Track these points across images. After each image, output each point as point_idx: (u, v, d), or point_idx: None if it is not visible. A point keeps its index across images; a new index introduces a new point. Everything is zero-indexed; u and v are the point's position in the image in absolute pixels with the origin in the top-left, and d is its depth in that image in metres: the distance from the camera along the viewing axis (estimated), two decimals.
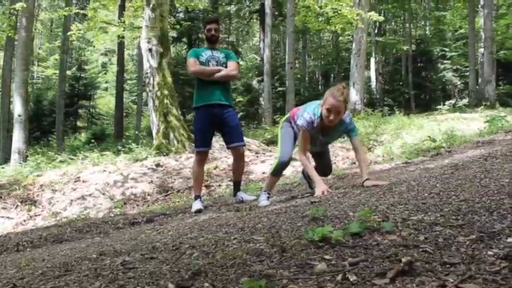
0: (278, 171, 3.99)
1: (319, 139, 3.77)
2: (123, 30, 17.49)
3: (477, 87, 20.78)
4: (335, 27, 15.46)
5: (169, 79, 9.72)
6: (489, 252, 1.43)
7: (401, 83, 28.28)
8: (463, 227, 1.77)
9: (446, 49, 27.18)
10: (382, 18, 14.81)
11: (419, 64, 28.38)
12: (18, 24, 14.42)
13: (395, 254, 1.56)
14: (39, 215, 7.01)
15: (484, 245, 1.51)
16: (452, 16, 27.46)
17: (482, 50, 19.75)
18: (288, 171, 7.38)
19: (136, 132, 19.47)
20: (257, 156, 8.58)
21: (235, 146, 4.64)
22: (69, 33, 15.75)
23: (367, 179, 3.46)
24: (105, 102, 34.15)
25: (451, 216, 1.95)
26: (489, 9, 19.07)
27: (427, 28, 32.37)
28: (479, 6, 20.36)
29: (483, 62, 19.45)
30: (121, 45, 23.65)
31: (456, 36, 27.66)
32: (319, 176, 3.73)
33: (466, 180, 2.81)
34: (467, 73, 22.67)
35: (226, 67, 4.64)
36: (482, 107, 15.62)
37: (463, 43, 25.61)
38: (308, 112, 3.60)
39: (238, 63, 4.81)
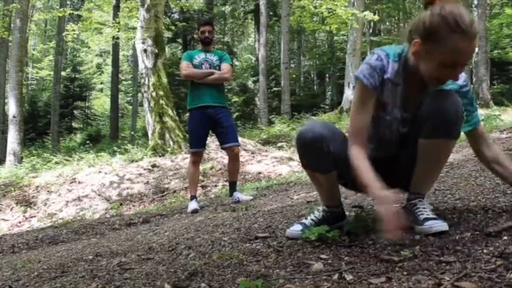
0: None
1: (396, 120, 1.84)
2: (118, 31, 17.44)
3: (471, 86, 20.86)
4: (330, 27, 15.48)
5: (165, 80, 9.70)
6: (485, 251, 1.43)
7: None
8: (459, 225, 1.78)
9: None
10: (377, 17, 14.82)
11: None
12: (12, 25, 14.35)
13: (392, 253, 1.56)
14: (34, 216, 6.98)
15: (480, 243, 1.52)
16: None
17: (476, 49, 19.83)
18: (283, 171, 7.39)
19: (132, 133, 19.45)
20: (253, 157, 8.57)
21: (229, 146, 4.66)
22: (64, 34, 15.72)
23: None
24: (100, 103, 34.03)
25: (447, 214, 1.96)
26: (483, 8, 19.14)
27: None
28: (473, 5, 20.44)
29: (477, 61, 19.54)
30: (116, 46, 23.59)
31: None
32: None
33: (462, 178, 2.82)
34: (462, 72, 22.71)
35: (220, 69, 4.67)
36: (477, 105, 15.69)
37: None
38: (376, 53, 1.81)
39: (231, 65, 4.84)
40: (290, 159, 8.26)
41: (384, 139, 1.88)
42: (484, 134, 1.97)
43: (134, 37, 11.80)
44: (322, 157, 1.86)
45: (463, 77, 1.80)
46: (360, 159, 1.73)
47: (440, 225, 1.70)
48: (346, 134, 1.93)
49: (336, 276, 1.39)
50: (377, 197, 1.60)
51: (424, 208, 1.83)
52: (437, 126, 1.70)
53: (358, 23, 14.71)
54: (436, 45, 1.59)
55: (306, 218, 2.09)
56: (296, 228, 2.03)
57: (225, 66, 4.70)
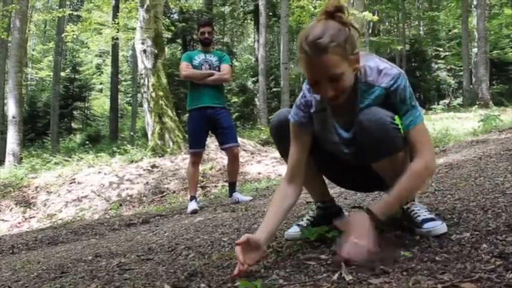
0: None
1: (337, 144, 1.82)
2: (118, 32, 17.43)
3: (471, 86, 20.88)
4: None
5: (164, 80, 9.70)
6: (484, 251, 1.43)
7: None
8: (458, 225, 1.78)
9: (440, 49, 27.28)
10: (376, 17, 14.84)
11: (413, 64, 28.46)
12: (11, 25, 14.35)
13: (391, 253, 1.56)
14: (34, 217, 6.98)
15: (479, 243, 1.52)
16: (445, 16, 27.60)
17: (475, 49, 19.86)
18: (283, 171, 7.39)
19: (132, 133, 19.45)
20: (253, 157, 8.58)
21: (229, 147, 4.66)
22: (63, 35, 15.71)
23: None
24: (99, 103, 34.02)
25: (446, 214, 1.96)
26: (482, 9, 19.16)
27: (421, 28, 32.49)
28: (473, 6, 20.46)
29: (477, 62, 19.56)
30: (115, 47, 23.59)
31: (450, 36, 27.78)
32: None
33: (461, 179, 2.82)
34: (461, 73, 22.79)
35: (219, 70, 4.68)
36: (476, 106, 15.71)
37: (457, 43, 25.71)
38: (303, 89, 1.82)
39: (231, 66, 4.85)
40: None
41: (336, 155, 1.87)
42: (415, 143, 1.65)
43: (134, 38, 11.80)
44: (287, 141, 1.85)
45: (389, 76, 1.64)
46: (277, 194, 1.84)
47: (439, 228, 1.69)
48: None
49: (335, 277, 1.39)
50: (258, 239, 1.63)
51: (419, 210, 1.81)
52: (374, 152, 1.66)
53: (357, 23, 14.72)
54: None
55: (301, 220, 2.10)
56: (294, 230, 2.03)
57: (225, 67, 4.71)
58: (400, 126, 1.62)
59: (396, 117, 1.63)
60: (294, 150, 1.82)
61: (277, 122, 1.90)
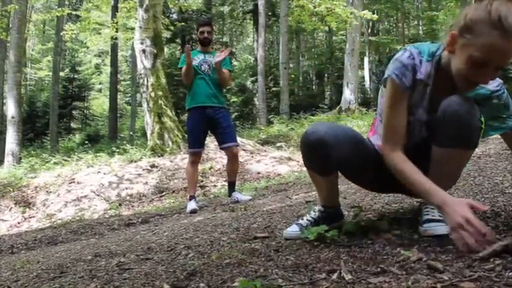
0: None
1: (419, 122, 1.76)
2: (117, 32, 17.43)
3: (503, 86, 20.89)
4: (329, 26, 15.49)
5: (163, 80, 9.70)
6: (483, 250, 1.43)
7: None
8: None
9: None
10: (376, 16, 14.85)
11: None
12: (10, 25, 14.34)
13: (391, 253, 1.56)
14: (33, 217, 6.98)
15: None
16: (445, 16, 27.56)
17: None
18: (282, 171, 7.39)
19: (131, 133, 19.44)
20: (252, 157, 8.57)
21: (228, 146, 4.66)
22: (62, 33, 15.70)
23: None
24: (99, 103, 34.02)
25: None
26: None
27: (420, 28, 32.49)
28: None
29: None
30: (114, 46, 23.57)
31: None
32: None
33: (460, 178, 2.82)
34: None
35: None
36: None
37: None
38: (408, 50, 1.69)
39: (231, 71, 4.85)
40: (289, 159, 8.26)
41: (413, 134, 1.76)
42: None
43: (133, 37, 11.80)
44: (322, 161, 1.84)
45: (497, 81, 1.69)
46: (402, 163, 1.66)
47: (439, 229, 1.67)
48: (363, 135, 1.89)
49: (334, 276, 1.39)
50: (443, 204, 1.49)
51: (432, 209, 1.75)
52: (450, 135, 1.61)
53: (357, 21, 14.72)
54: (471, 38, 1.46)
55: (301, 219, 2.08)
56: (293, 229, 2.02)
57: (224, 72, 4.70)
58: (483, 126, 1.62)
59: (483, 117, 1.61)
60: (398, 118, 1.69)
61: (314, 141, 1.80)
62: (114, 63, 24.03)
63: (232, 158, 4.73)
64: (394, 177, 1.69)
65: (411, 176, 1.62)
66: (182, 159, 8.24)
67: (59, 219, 6.48)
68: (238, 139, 5.11)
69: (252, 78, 25.47)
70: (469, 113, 1.58)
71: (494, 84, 1.68)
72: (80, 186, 7.71)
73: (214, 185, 7.25)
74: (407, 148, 1.72)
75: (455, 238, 1.43)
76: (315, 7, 14.08)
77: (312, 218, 2.04)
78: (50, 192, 7.67)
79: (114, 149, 10.72)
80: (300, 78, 31.37)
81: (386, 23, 32.76)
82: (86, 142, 16.05)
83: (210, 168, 7.92)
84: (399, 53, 1.70)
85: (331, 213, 2.05)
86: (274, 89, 23.81)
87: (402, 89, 1.66)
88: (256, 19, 23.05)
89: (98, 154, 10.17)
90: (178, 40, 25.23)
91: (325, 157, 1.80)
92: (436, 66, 1.66)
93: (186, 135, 5.47)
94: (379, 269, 1.38)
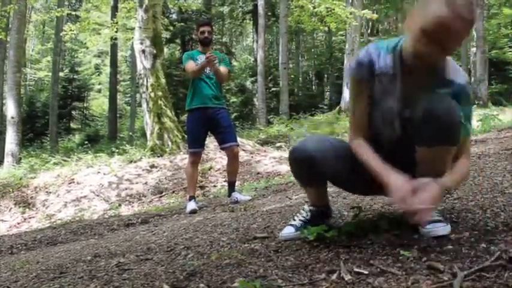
0: None
1: (391, 110, 1.76)
2: (116, 32, 17.41)
3: (470, 86, 20.88)
4: (329, 26, 15.49)
5: (163, 80, 9.69)
6: (483, 250, 1.43)
7: None
8: (458, 224, 1.78)
9: None
10: (375, 15, 14.85)
11: None
12: (10, 26, 14.34)
13: (390, 253, 1.56)
14: (33, 217, 6.98)
15: (478, 242, 1.52)
16: None
17: (474, 49, 19.87)
18: (282, 171, 7.39)
19: (130, 133, 19.42)
20: (252, 157, 8.57)
21: (229, 146, 4.66)
22: (62, 34, 15.68)
23: None
24: (98, 103, 34.01)
25: (445, 214, 1.96)
26: (481, 8, 19.16)
27: None
28: None
29: (475, 62, 19.57)
30: (114, 47, 23.56)
31: None
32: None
33: None
34: None
35: None
36: (475, 106, 15.71)
37: None
38: (366, 48, 1.82)
39: (229, 70, 4.86)
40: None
41: (379, 137, 1.82)
42: (464, 145, 1.75)
43: (132, 38, 11.80)
44: (310, 177, 1.92)
45: (464, 77, 1.73)
46: (363, 151, 1.77)
47: (441, 229, 1.68)
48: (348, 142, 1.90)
49: (334, 276, 1.39)
50: (387, 182, 1.61)
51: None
52: (432, 134, 1.63)
53: (356, 21, 14.73)
54: (424, 11, 1.53)
55: (294, 220, 2.09)
56: (289, 231, 2.03)
57: (223, 69, 4.71)
58: (463, 121, 1.66)
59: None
60: (360, 105, 1.81)
61: (301, 158, 1.85)
62: (113, 64, 24.03)
63: (233, 158, 4.73)
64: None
65: (367, 160, 1.74)
66: (182, 159, 8.24)
67: (59, 219, 6.48)
68: (238, 139, 5.11)
69: (252, 79, 25.49)
70: (449, 110, 1.61)
71: (463, 79, 1.73)
72: (80, 186, 7.71)
73: (214, 185, 7.25)
74: (387, 145, 1.79)
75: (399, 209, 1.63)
76: (314, 7, 14.07)
77: (304, 217, 2.06)
78: (50, 192, 7.66)
79: (113, 149, 10.72)
80: (300, 78, 31.39)
81: (385, 23, 32.76)
82: (86, 142, 16.03)
83: (210, 168, 7.92)
84: (365, 49, 1.80)
85: (322, 212, 2.08)
86: (273, 89, 23.83)
87: (358, 82, 1.79)
88: (255, 19, 23.07)
89: (97, 154, 10.17)
90: (177, 40, 25.23)
91: (314, 174, 1.87)
92: (399, 57, 1.71)
93: (186, 136, 5.47)
94: (379, 269, 1.38)
